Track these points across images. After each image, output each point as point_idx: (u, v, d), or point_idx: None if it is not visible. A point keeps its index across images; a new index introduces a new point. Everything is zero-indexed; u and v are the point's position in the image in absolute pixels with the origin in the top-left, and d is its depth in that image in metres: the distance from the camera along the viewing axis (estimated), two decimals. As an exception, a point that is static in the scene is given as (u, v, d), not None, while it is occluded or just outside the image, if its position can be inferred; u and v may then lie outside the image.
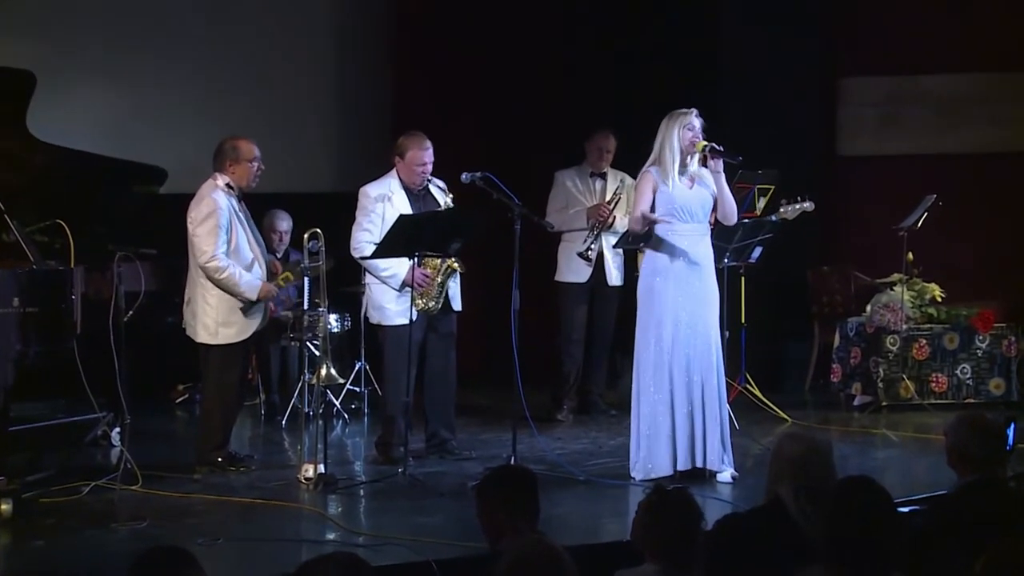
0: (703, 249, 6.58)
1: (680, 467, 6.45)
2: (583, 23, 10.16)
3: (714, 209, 6.65)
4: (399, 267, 6.89)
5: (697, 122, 6.52)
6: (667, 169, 6.49)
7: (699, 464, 6.47)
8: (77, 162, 7.41)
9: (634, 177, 8.39)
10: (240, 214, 6.81)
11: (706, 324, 6.53)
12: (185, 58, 9.32)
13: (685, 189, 6.53)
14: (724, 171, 6.60)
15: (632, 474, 6.54)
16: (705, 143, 6.50)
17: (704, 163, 6.56)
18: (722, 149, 6.52)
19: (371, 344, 8.05)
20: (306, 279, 6.92)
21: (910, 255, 8.60)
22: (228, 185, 6.78)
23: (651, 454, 6.48)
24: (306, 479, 6.48)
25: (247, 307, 6.78)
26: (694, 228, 6.56)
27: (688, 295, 6.50)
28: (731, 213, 6.68)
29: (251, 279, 6.75)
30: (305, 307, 7.23)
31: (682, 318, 6.49)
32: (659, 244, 6.55)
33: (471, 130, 9.80)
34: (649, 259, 6.62)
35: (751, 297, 8.56)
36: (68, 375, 6.48)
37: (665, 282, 6.51)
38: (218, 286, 6.71)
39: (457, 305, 7.13)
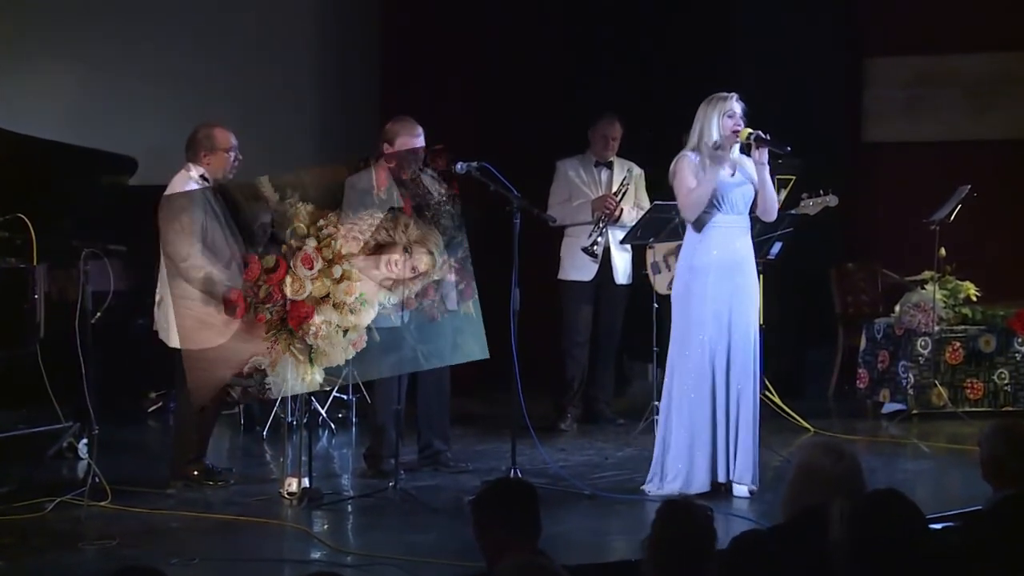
0: (744, 244, 6.55)
1: (720, 479, 6.46)
2: (587, -2, 10.19)
3: (753, 202, 6.59)
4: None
5: (738, 107, 6.45)
6: (705, 158, 6.42)
7: (731, 478, 6.48)
8: (39, 150, 7.42)
9: (641, 166, 8.45)
10: (216, 208, 6.80)
11: (746, 324, 6.53)
12: (155, 37, 9.29)
13: (726, 177, 6.47)
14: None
15: (646, 488, 6.56)
16: (750, 131, 6.43)
17: (746, 152, 6.51)
18: (768, 137, 6.43)
19: (358, 348, 8.06)
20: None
21: (942, 250, 8.56)
22: (203, 176, 6.79)
23: (692, 467, 6.46)
24: (289, 494, 6.49)
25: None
26: (735, 220, 6.52)
27: (729, 292, 6.47)
28: (772, 208, 6.59)
29: (230, 279, 6.74)
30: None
31: (723, 316, 6.47)
32: (696, 236, 6.50)
33: (466, 116, 9.80)
34: (685, 255, 6.59)
35: (770, 296, 8.52)
36: (31, 382, 6.49)
37: (704, 279, 6.46)
38: (194, 287, 6.71)
39: (452, 304, 7.13)
